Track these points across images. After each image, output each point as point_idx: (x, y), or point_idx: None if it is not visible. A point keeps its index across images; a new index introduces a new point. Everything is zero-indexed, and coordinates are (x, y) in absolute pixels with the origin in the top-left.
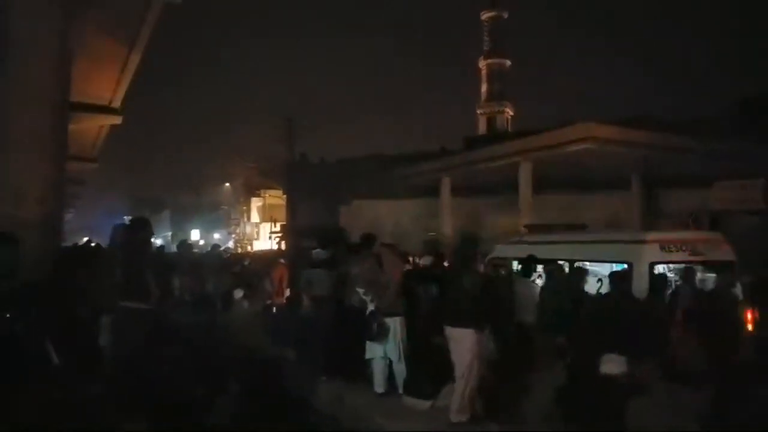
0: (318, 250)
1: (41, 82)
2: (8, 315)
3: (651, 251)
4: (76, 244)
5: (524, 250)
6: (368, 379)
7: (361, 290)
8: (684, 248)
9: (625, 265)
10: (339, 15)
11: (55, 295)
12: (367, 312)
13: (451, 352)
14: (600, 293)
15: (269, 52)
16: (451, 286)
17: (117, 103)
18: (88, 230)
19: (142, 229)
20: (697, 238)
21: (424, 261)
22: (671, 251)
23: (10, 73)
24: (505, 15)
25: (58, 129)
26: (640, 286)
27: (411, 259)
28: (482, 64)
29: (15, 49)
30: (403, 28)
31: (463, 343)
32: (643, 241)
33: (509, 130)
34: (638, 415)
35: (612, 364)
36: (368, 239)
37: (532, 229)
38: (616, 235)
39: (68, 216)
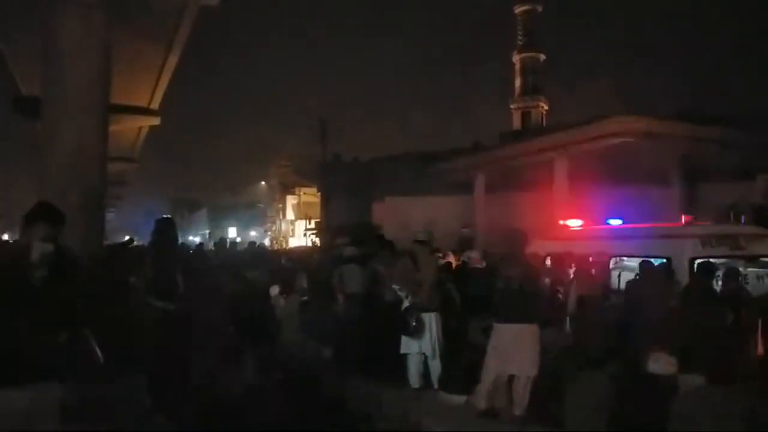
0: (349, 247)
1: (84, 87)
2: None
3: (691, 246)
4: (132, 239)
5: (561, 246)
6: (403, 375)
7: (396, 287)
8: (726, 243)
9: (665, 260)
10: (370, 14)
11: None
12: (403, 308)
13: (502, 349)
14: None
15: (302, 53)
16: (505, 283)
17: (155, 105)
18: (128, 229)
19: (166, 229)
20: (740, 231)
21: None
22: (713, 246)
23: (55, 80)
24: (539, 8)
25: (99, 132)
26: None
27: (443, 255)
28: (516, 58)
29: (59, 58)
30: (436, 24)
31: (527, 340)
32: (683, 236)
33: (544, 124)
34: (684, 416)
35: (660, 364)
36: (380, 239)
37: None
38: (655, 230)
39: (109, 215)
